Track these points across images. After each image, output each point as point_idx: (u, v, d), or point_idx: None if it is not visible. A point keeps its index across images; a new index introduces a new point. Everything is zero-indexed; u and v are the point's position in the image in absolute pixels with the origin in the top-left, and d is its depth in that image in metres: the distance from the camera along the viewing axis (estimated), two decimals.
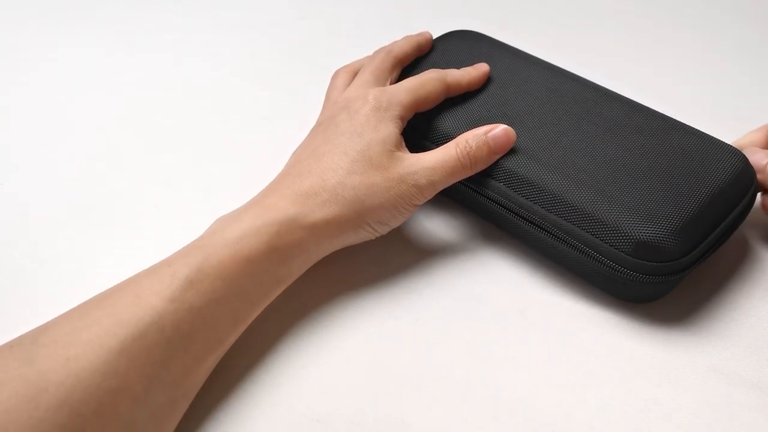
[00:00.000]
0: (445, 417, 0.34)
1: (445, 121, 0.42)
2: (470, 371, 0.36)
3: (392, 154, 0.39)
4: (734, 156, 0.39)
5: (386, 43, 0.47)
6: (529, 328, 0.38)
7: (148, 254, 0.36)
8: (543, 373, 0.36)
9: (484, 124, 0.40)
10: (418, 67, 0.46)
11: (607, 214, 0.36)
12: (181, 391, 0.32)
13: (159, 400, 0.31)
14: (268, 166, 0.42)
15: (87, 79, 0.57)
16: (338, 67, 0.47)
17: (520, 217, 0.39)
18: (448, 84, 0.43)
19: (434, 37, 0.49)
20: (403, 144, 0.41)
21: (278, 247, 0.35)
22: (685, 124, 0.41)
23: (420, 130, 0.43)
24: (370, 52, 0.47)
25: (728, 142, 0.40)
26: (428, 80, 0.42)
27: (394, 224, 0.40)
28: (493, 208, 0.41)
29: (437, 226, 0.44)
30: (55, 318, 0.31)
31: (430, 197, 0.39)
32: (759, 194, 0.40)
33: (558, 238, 0.38)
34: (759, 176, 0.39)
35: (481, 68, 0.44)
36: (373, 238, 0.40)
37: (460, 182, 0.40)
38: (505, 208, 0.40)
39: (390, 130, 0.39)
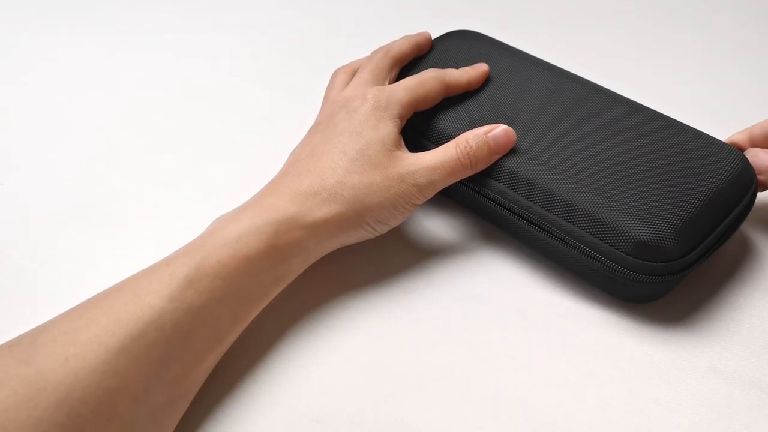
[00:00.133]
0: (445, 417, 0.34)
1: (445, 121, 0.42)
2: (470, 371, 0.36)
3: (391, 154, 0.39)
4: (734, 156, 0.39)
5: (385, 43, 0.47)
6: (529, 328, 0.38)
7: (148, 254, 0.36)
8: (543, 373, 0.36)
9: (484, 124, 0.40)
10: (418, 67, 0.46)
11: (607, 214, 0.36)
12: (180, 390, 0.32)
13: (158, 399, 0.31)
14: (268, 166, 0.42)
15: (87, 79, 0.57)
16: (337, 67, 0.47)
17: (520, 217, 0.39)
18: (447, 83, 0.43)
19: (434, 37, 0.49)
20: (402, 143, 0.41)
21: (277, 247, 0.35)
22: (685, 124, 0.41)
23: (419, 129, 0.43)
24: (370, 52, 0.47)
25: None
26: (427, 79, 0.42)
27: (394, 224, 0.40)
28: (493, 208, 0.40)
29: (437, 226, 0.44)
30: (54, 318, 0.31)
31: (430, 197, 0.39)
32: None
33: (558, 238, 0.38)
34: (761, 177, 0.39)
35: (480, 68, 0.44)
36: (373, 237, 0.40)
37: (460, 182, 0.40)
38: (505, 208, 0.40)
39: (389, 129, 0.39)
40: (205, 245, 0.34)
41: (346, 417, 0.34)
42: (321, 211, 0.36)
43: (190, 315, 0.32)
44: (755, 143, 0.41)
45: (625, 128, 0.41)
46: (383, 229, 0.39)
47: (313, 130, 0.42)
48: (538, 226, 0.39)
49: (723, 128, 0.42)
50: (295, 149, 0.41)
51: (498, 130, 0.40)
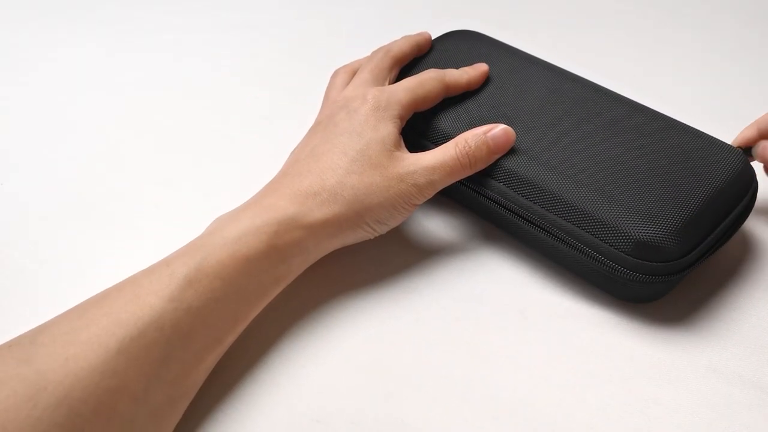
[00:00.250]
0: (445, 417, 0.34)
1: (445, 121, 0.42)
2: (470, 371, 0.36)
3: (391, 154, 0.39)
4: (734, 156, 0.39)
5: (385, 43, 0.47)
6: (529, 328, 0.38)
7: (148, 254, 0.36)
8: (543, 373, 0.35)
9: (484, 124, 0.40)
10: (418, 67, 0.46)
11: (607, 213, 0.36)
12: (180, 390, 0.32)
13: (158, 399, 0.31)
14: (268, 166, 0.42)
15: (87, 79, 0.57)
16: (337, 67, 0.47)
17: (520, 217, 0.39)
18: (447, 83, 0.43)
19: (434, 37, 0.49)
20: (402, 143, 0.41)
21: (277, 247, 0.35)
22: (685, 124, 0.41)
23: (419, 129, 0.43)
24: (370, 52, 0.47)
25: (728, 142, 0.40)
26: (427, 80, 0.42)
27: (393, 224, 0.40)
28: (492, 208, 0.40)
29: (437, 226, 0.44)
30: (54, 318, 0.31)
31: (430, 197, 0.39)
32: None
33: (558, 238, 0.38)
34: None
35: (480, 68, 0.44)
36: (372, 237, 0.40)
37: (459, 182, 0.40)
38: (504, 208, 0.40)
39: (389, 129, 0.39)
40: (205, 245, 0.34)
41: (346, 417, 0.34)
42: (321, 211, 0.36)
43: (190, 315, 0.32)
44: (765, 135, 0.41)
45: (625, 128, 0.41)
46: (383, 230, 0.39)
47: (313, 130, 0.42)
48: (538, 226, 0.39)
49: (723, 128, 0.42)
50: (295, 149, 0.41)
51: (497, 130, 0.40)
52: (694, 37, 0.60)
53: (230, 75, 0.58)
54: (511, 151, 0.40)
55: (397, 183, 0.38)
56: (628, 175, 0.38)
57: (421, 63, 0.47)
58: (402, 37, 0.47)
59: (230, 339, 0.34)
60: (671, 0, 0.64)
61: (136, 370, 0.30)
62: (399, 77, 0.45)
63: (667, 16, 0.63)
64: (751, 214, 0.39)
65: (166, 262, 0.33)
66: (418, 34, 0.47)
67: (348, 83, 0.44)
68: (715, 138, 0.40)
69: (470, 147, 0.39)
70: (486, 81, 0.44)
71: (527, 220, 0.39)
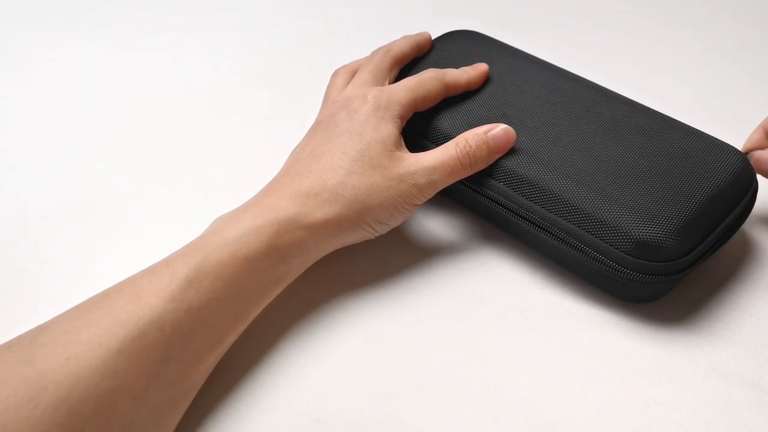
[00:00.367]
0: (445, 417, 0.34)
1: (445, 121, 0.42)
2: (470, 371, 0.36)
3: (392, 154, 0.39)
4: (734, 156, 0.39)
5: (385, 43, 0.47)
6: (529, 328, 0.38)
7: (148, 254, 0.36)
8: (543, 373, 0.36)
9: (484, 124, 0.40)
10: (418, 67, 0.46)
11: (607, 213, 0.36)
12: (180, 390, 0.32)
13: (158, 399, 0.31)
14: (268, 166, 0.42)
15: (87, 79, 0.57)
16: (337, 67, 0.47)
17: (520, 216, 0.39)
18: (447, 83, 0.43)
19: (434, 37, 0.49)
20: (403, 143, 0.41)
21: (278, 247, 0.35)
22: (685, 124, 0.41)
23: (419, 129, 0.43)
24: (370, 52, 0.47)
25: (728, 142, 0.40)
26: (427, 79, 0.42)
27: (394, 224, 0.40)
28: (493, 208, 0.40)
29: (437, 226, 0.44)
30: (54, 318, 0.31)
31: (430, 197, 0.39)
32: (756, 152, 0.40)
33: (558, 237, 0.38)
34: None
35: (480, 68, 0.44)
36: (373, 237, 0.40)
37: (459, 182, 0.40)
38: (505, 207, 0.40)
39: (389, 129, 0.39)
40: (206, 245, 0.34)
41: (346, 417, 0.34)
42: (321, 211, 0.36)
43: (191, 315, 0.32)
44: None
45: (626, 128, 0.41)
46: (383, 230, 0.39)
47: (313, 130, 0.42)
48: (538, 226, 0.39)
49: (723, 128, 0.42)
50: (295, 149, 0.41)
51: (497, 130, 0.40)
52: (694, 37, 0.60)
53: (230, 75, 0.58)
54: (512, 151, 0.40)
55: (397, 183, 0.38)
56: (628, 174, 0.38)
57: (421, 63, 0.47)
58: (402, 37, 0.47)
59: (230, 339, 0.35)
60: (671, 0, 0.64)
61: (136, 370, 0.30)
62: (399, 77, 0.45)
63: (667, 16, 0.63)
64: (751, 214, 0.39)
65: (167, 262, 0.33)
66: (418, 34, 0.47)
67: (348, 83, 0.44)
68: (715, 138, 0.40)
69: (471, 147, 0.39)
70: (486, 81, 0.44)
71: (527, 220, 0.39)
